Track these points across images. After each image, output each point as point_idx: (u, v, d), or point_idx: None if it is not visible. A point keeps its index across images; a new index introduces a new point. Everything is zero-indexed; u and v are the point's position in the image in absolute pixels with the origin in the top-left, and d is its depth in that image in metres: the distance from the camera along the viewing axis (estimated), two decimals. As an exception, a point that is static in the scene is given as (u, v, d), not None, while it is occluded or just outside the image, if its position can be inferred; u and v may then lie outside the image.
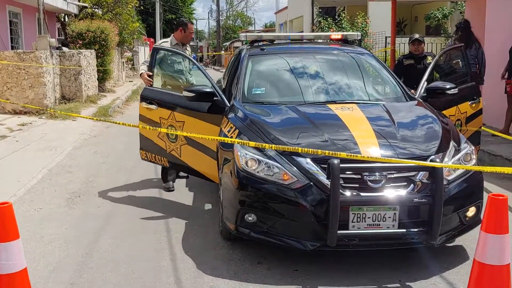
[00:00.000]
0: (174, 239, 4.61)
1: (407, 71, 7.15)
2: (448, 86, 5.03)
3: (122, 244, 4.52)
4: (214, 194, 5.84)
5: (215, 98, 4.99)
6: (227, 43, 50.38)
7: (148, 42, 37.89)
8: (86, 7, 19.17)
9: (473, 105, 5.73)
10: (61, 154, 8.14)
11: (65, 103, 13.60)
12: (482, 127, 6.06)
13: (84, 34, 16.19)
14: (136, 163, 7.56)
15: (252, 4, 74.10)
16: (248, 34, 6.17)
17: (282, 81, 5.26)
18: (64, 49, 14.66)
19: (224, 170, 4.22)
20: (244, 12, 61.95)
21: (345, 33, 6.27)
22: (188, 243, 4.51)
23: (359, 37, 6.22)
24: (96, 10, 20.31)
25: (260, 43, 6.10)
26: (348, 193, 3.63)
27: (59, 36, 20.02)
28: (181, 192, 6.07)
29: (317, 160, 3.74)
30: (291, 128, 4.24)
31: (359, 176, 3.68)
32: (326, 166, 3.63)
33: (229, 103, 5.04)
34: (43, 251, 4.40)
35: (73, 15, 19.60)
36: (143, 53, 33.06)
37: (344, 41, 6.26)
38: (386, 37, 15.98)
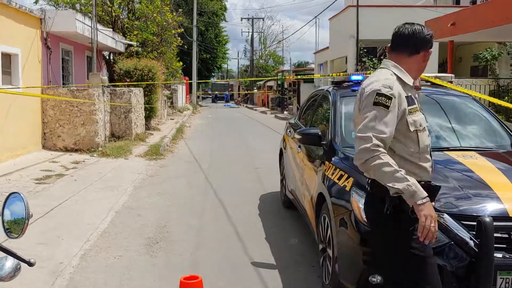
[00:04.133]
0: (273, 295, 4.21)
1: None
2: None
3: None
4: (297, 245, 5.45)
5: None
6: (261, 82, 50.55)
7: (185, 81, 38.40)
8: (132, 46, 19.32)
9: None
10: (124, 195, 7.87)
11: (115, 141, 13.48)
12: None
13: (131, 72, 16.21)
14: (206, 207, 7.26)
15: (289, 45, 74.76)
16: (335, 77, 5.86)
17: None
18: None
19: (339, 223, 3.82)
20: (276, 52, 62.42)
21: (438, 74, 5.91)
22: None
23: (453, 79, 5.85)
24: (140, 48, 20.50)
25: (344, 84, 5.79)
26: (497, 255, 3.19)
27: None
28: (266, 237, 5.68)
29: (455, 216, 3.32)
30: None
31: (507, 236, 3.25)
32: (467, 223, 3.22)
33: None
34: (135, 306, 4.03)
35: (117, 53, 19.79)
36: (181, 92, 33.34)
37: (433, 82, 5.91)
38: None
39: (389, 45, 3.03)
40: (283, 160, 7.24)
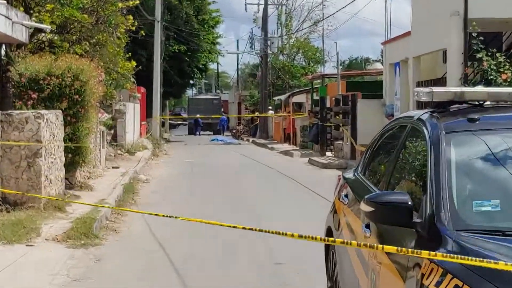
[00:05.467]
0: None
1: None
2: None
3: None
4: None
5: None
6: (282, 97, 50.74)
7: (139, 95, 38.59)
8: (43, 31, 19.51)
9: None
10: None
11: (8, 211, 13.45)
12: None
13: (41, 81, 16.31)
14: None
15: (336, 27, 68.27)
16: (435, 90, 5.77)
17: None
18: None
19: None
20: (310, 42, 62.97)
21: None
22: None
23: None
24: (57, 36, 20.71)
25: (452, 107, 5.76)
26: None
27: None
28: None
29: None
30: None
31: None
32: None
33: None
34: None
35: (15, 45, 20.00)
36: (132, 115, 33.49)
37: None
38: None
39: None
40: (333, 251, 7.20)
